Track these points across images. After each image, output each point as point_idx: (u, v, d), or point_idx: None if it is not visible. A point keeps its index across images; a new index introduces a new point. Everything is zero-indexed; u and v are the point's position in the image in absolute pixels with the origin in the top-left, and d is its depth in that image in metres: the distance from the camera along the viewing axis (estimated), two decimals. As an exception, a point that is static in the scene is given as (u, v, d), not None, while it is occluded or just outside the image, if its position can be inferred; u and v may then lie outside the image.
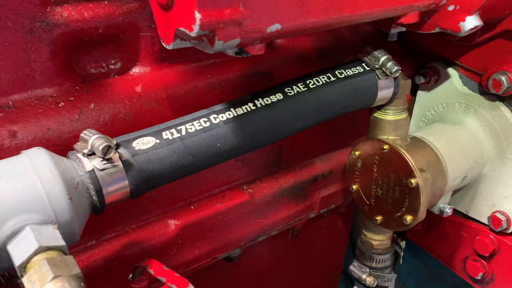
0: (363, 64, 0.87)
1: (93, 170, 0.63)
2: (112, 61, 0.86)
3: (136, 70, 0.88)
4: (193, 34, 0.50)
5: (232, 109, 0.75)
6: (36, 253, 0.53)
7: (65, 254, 0.55)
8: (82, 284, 0.52)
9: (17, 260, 0.53)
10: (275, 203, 1.09)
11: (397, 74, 0.86)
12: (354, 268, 1.13)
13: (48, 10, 0.74)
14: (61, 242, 0.55)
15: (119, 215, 0.89)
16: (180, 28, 0.52)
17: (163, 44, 0.58)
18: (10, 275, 0.78)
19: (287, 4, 0.55)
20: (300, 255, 1.36)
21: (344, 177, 1.17)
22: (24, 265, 0.53)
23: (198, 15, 0.48)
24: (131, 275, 0.80)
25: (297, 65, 1.04)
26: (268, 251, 1.24)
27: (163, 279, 0.68)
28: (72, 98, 0.80)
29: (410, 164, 0.90)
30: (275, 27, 0.55)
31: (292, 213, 1.13)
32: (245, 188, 1.05)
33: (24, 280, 0.52)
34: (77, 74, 0.83)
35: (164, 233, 0.92)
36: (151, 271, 0.71)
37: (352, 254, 1.43)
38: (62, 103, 0.79)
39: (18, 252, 0.54)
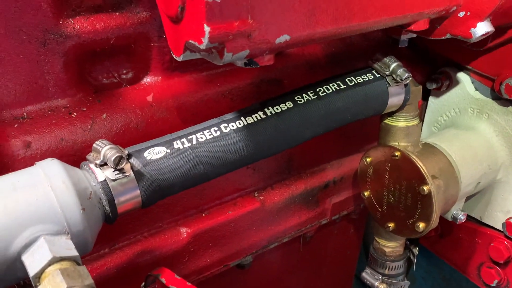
0: (373, 71, 0.86)
1: (105, 180, 0.64)
2: (124, 71, 0.87)
3: (147, 79, 0.89)
4: (202, 46, 0.51)
5: (242, 118, 0.75)
6: (50, 263, 0.54)
7: (78, 264, 0.56)
8: (95, 294, 0.53)
9: (32, 271, 0.54)
10: (286, 210, 1.09)
11: (408, 81, 0.86)
12: (367, 275, 1.12)
13: (61, 22, 0.75)
14: (74, 252, 0.56)
15: (131, 223, 0.90)
16: (190, 41, 0.53)
17: (173, 56, 0.59)
18: (25, 284, 0.79)
19: (295, 15, 0.55)
20: (312, 262, 1.36)
21: (356, 184, 1.17)
22: (39, 276, 0.54)
23: (207, 28, 0.49)
24: (143, 284, 0.81)
25: (306, 72, 1.04)
26: (280, 258, 1.24)
27: (175, 288, 0.69)
28: (84, 109, 0.81)
29: (422, 171, 0.90)
30: (284, 38, 0.56)
31: (304, 220, 1.13)
32: (256, 195, 1.05)
33: (39, 290, 0.52)
34: (90, 84, 0.84)
35: (176, 241, 0.93)
36: (163, 280, 0.71)
37: (365, 259, 1.42)
38: (75, 114, 0.80)
39: (32, 263, 0.54)
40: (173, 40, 0.57)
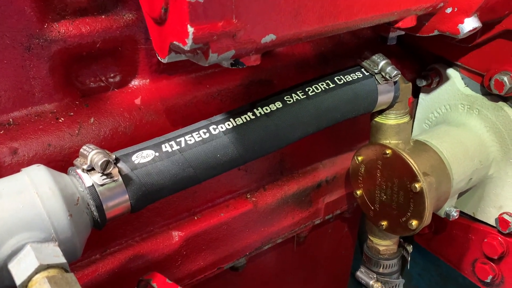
0: (362, 70, 0.86)
1: (92, 185, 0.63)
2: (111, 75, 0.86)
3: (135, 82, 0.88)
4: (186, 47, 0.50)
5: (231, 119, 0.74)
6: (37, 271, 0.53)
7: (66, 271, 0.55)
8: (83, 301, 0.52)
9: (18, 279, 0.53)
10: (279, 211, 1.08)
11: (397, 78, 0.85)
12: (362, 274, 1.12)
13: (45, 26, 0.75)
14: (62, 259, 0.55)
15: (122, 228, 0.89)
16: (174, 42, 0.52)
17: (159, 58, 0.58)
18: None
19: (280, 14, 0.55)
20: (307, 262, 1.35)
21: (348, 182, 1.16)
22: (25, 284, 0.53)
23: (190, 29, 0.48)
24: (135, 289, 0.80)
25: (296, 72, 1.04)
26: (274, 259, 1.23)
27: (166, 293, 0.68)
28: (72, 113, 0.80)
29: (414, 168, 0.90)
30: (270, 37, 0.55)
31: (297, 220, 1.12)
32: (248, 196, 1.04)
33: (25, 299, 0.51)
34: (77, 88, 0.83)
35: (168, 245, 0.92)
36: (155, 285, 0.71)
37: (361, 258, 1.42)
38: (62, 119, 0.79)
39: (19, 271, 0.54)
40: (158, 42, 0.57)
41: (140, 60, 0.86)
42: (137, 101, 0.86)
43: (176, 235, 0.93)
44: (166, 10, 0.51)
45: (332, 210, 1.20)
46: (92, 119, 0.81)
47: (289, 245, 1.24)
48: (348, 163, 1.14)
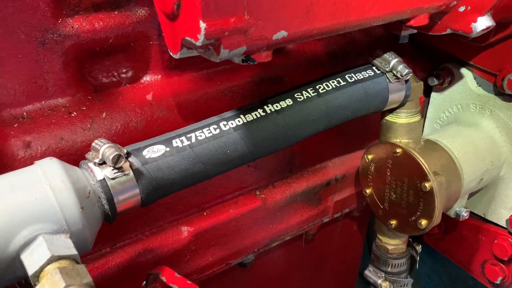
0: (373, 68, 0.86)
1: (104, 179, 0.64)
2: (123, 70, 0.87)
3: (147, 78, 0.88)
4: (198, 43, 0.50)
5: (241, 116, 0.75)
6: (49, 262, 0.54)
7: (77, 263, 0.56)
8: (93, 292, 0.53)
9: (31, 270, 0.54)
10: (288, 208, 1.08)
11: (408, 77, 0.85)
12: (370, 273, 1.12)
13: (59, 21, 0.75)
14: (73, 251, 0.56)
15: (132, 222, 0.90)
16: (186, 38, 0.53)
17: (171, 54, 0.59)
18: (26, 283, 0.80)
19: (292, 10, 0.55)
20: (315, 260, 1.35)
21: (358, 181, 1.16)
22: (37, 274, 0.54)
23: (203, 25, 0.49)
24: (144, 282, 0.81)
25: (307, 70, 1.04)
26: (282, 256, 1.23)
27: (175, 287, 0.69)
28: (84, 108, 0.81)
29: (424, 168, 0.89)
30: (281, 34, 0.55)
31: (306, 217, 1.13)
32: (257, 193, 1.05)
33: (38, 288, 0.52)
34: (89, 83, 0.84)
35: (177, 239, 0.93)
36: (164, 279, 0.71)
37: (370, 257, 1.42)
38: (75, 113, 0.80)
39: (31, 262, 0.54)
40: (170, 38, 0.57)
41: (152, 56, 0.87)
42: (149, 96, 0.87)
43: (186, 230, 0.94)
44: (179, 6, 0.51)
45: (341, 209, 1.19)
46: (104, 114, 0.81)
47: (297, 243, 1.24)
48: (357, 162, 1.14)
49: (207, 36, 0.49)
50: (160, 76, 0.89)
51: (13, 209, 0.56)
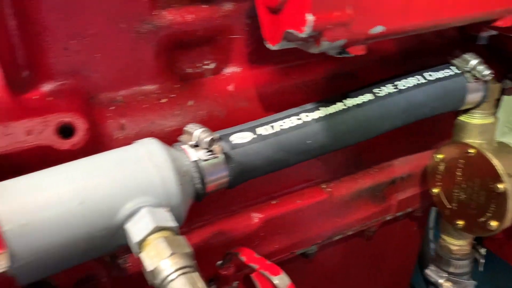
0: (453, 67, 0.87)
1: (197, 160, 0.69)
2: (206, 62, 0.92)
3: (228, 70, 0.93)
4: (303, 35, 0.54)
5: (322, 108, 0.78)
6: (152, 232, 0.59)
7: (176, 234, 0.61)
8: (194, 261, 0.57)
9: (135, 238, 0.59)
10: (352, 204, 1.10)
11: (489, 78, 0.85)
12: (431, 272, 1.12)
13: (155, 13, 0.81)
14: (173, 223, 0.61)
15: (207, 205, 0.94)
16: (290, 30, 0.56)
17: (267, 46, 0.63)
18: (112, 256, 0.86)
19: (391, 6, 0.57)
20: (372, 258, 1.36)
21: (423, 181, 1.17)
22: (141, 243, 0.59)
23: (310, 17, 0.52)
24: (220, 262, 0.85)
25: (380, 67, 1.05)
26: (343, 251, 1.25)
27: (255, 266, 0.72)
28: (173, 95, 0.86)
29: (498, 169, 0.89)
30: (379, 28, 0.58)
31: (369, 214, 1.14)
32: (324, 187, 1.07)
33: (143, 255, 0.57)
34: (175, 73, 0.89)
35: (248, 225, 0.97)
36: (243, 258, 0.75)
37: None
38: (164, 100, 0.85)
39: (136, 230, 0.60)
40: (270, 30, 0.61)
41: (234, 49, 0.91)
42: (230, 87, 0.91)
43: (256, 217, 0.98)
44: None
45: (404, 207, 1.20)
46: (190, 102, 0.86)
47: (357, 239, 1.25)
48: (423, 161, 1.15)
49: (313, 28, 0.53)
50: (240, 68, 0.93)
51: (121, 181, 0.61)
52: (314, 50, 0.58)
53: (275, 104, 0.94)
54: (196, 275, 0.55)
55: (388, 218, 1.20)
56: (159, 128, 0.82)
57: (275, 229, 1.01)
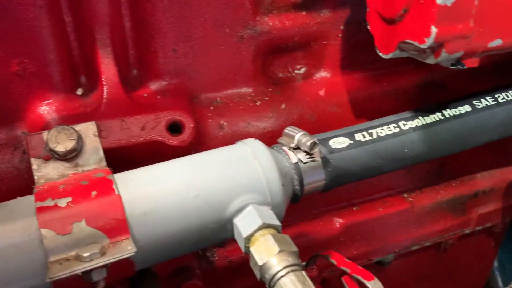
0: (555, 81, 0.84)
1: (297, 162, 0.71)
2: (298, 67, 0.94)
3: (319, 75, 0.95)
4: (423, 46, 0.55)
5: (420, 117, 0.78)
6: (260, 228, 0.62)
7: (279, 232, 0.63)
8: (300, 261, 0.59)
9: (244, 233, 0.62)
10: (433, 214, 1.09)
11: None
12: (512, 292, 1.09)
13: (257, 19, 0.84)
14: (277, 222, 0.63)
15: (291, 207, 0.96)
16: (407, 40, 0.57)
17: (380, 54, 0.64)
18: (203, 249, 0.90)
19: (511, 21, 0.57)
20: (446, 271, 1.34)
21: (507, 196, 1.13)
22: (249, 238, 0.62)
23: (434, 29, 0.53)
24: (305, 263, 0.87)
25: (470, 78, 1.04)
26: (418, 261, 1.24)
27: (347, 270, 0.74)
28: (266, 98, 0.89)
29: None
30: (497, 42, 0.58)
31: (448, 226, 1.12)
32: (405, 196, 1.07)
33: (253, 249, 0.60)
34: (269, 77, 0.92)
35: (329, 229, 0.99)
36: (334, 261, 0.76)
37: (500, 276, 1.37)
38: (259, 102, 0.88)
39: (244, 226, 0.63)
40: (383, 39, 0.62)
41: (327, 55, 0.93)
42: (321, 92, 0.93)
43: (337, 222, 0.99)
44: (406, 11, 0.56)
45: (483, 222, 1.17)
46: (283, 105, 0.89)
47: (433, 250, 1.24)
48: (507, 175, 1.12)
49: (436, 40, 0.54)
50: (331, 74, 0.95)
51: (232, 178, 0.64)
52: (431, 60, 0.58)
53: (365, 110, 0.95)
54: (304, 274, 0.57)
55: (467, 231, 1.17)
56: (254, 129, 0.86)
57: (355, 235, 1.02)
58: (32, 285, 0.54)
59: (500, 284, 1.52)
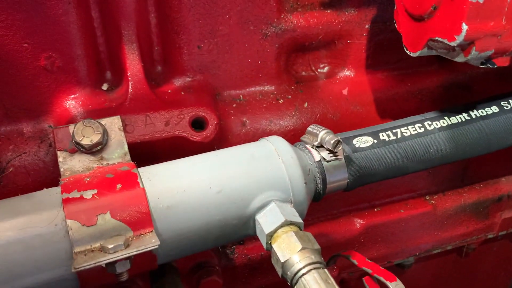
0: None
1: (320, 160, 0.70)
2: (321, 65, 0.94)
3: (342, 74, 0.94)
4: (453, 43, 0.54)
5: (446, 118, 0.77)
6: (282, 225, 0.61)
7: (301, 230, 0.63)
8: (322, 259, 0.59)
9: (266, 229, 0.62)
10: (455, 218, 1.07)
11: None
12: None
13: (282, 16, 0.84)
14: (300, 219, 0.63)
15: (312, 206, 0.96)
16: (436, 38, 0.56)
17: (407, 52, 0.63)
18: (222, 246, 0.90)
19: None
20: (466, 276, 1.31)
21: (532, 201, 1.11)
22: (272, 234, 0.61)
23: (465, 27, 0.52)
24: (325, 262, 0.86)
25: (496, 80, 1.02)
26: (438, 265, 1.22)
27: (369, 270, 0.73)
28: (289, 96, 0.89)
29: None
30: (529, 40, 0.57)
31: (471, 230, 1.10)
32: (427, 198, 1.05)
33: (275, 246, 0.60)
34: (291, 75, 0.92)
35: (349, 229, 0.98)
36: (355, 261, 0.76)
37: None
38: (282, 100, 0.88)
39: (266, 222, 0.62)
40: (411, 37, 0.61)
41: (351, 54, 0.93)
42: (345, 91, 0.92)
43: (358, 223, 0.98)
44: (436, 8, 0.55)
45: (507, 227, 1.15)
46: (306, 104, 0.89)
47: (455, 254, 1.22)
48: (534, 181, 1.09)
49: (466, 37, 0.53)
50: (354, 73, 0.94)
51: (255, 175, 0.64)
52: (460, 59, 0.57)
53: (388, 110, 0.94)
54: (326, 272, 0.57)
55: (490, 236, 1.15)
56: (276, 127, 0.85)
57: (375, 237, 1.01)
58: (57, 275, 0.54)
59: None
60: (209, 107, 0.78)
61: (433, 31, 0.57)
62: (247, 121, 0.84)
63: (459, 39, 0.53)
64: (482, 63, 0.60)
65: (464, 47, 0.56)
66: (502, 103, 0.79)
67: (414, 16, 0.59)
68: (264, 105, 0.87)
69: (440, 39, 0.56)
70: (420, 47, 0.60)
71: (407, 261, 1.09)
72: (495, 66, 0.60)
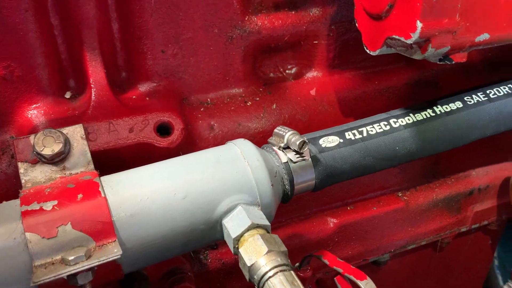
0: (547, 77, 0.84)
1: (287, 162, 0.70)
2: (289, 66, 0.94)
3: (310, 75, 0.94)
4: (409, 41, 0.54)
5: (411, 114, 0.77)
6: (249, 229, 0.61)
7: (268, 233, 0.63)
8: (289, 261, 0.59)
9: (233, 233, 0.61)
10: (428, 213, 1.08)
11: None
12: (510, 289, 1.08)
13: (246, 19, 0.84)
14: (267, 222, 0.63)
15: (283, 207, 0.96)
16: (394, 36, 0.57)
17: (367, 51, 0.63)
18: (195, 251, 0.89)
19: (497, 15, 0.57)
20: (442, 270, 1.33)
21: (502, 193, 1.13)
22: (238, 238, 0.61)
23: (419, 24, 0.52)
24: (298, 264, 0.86)
25: (462, 76, 1.03)
26: (414, 261, 1.23)
27: (340, 269, 0.73)
28: (257, 98, 0.89)
29: None
30: (484, 36, 0.58)
31: (444, 225, 1.12)
32: (400, 195, 1.06)
33: (241, 250, 0.60)
34: (259, 77, 0.91)
35: (323, 229, 0.98)
36: (326, 261, 0.76)
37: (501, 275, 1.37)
38: (250, 102, 0.88)
39: (233, 226, 0.62)
40: (370, 36, 0.62)
41: (317, 54, 0.93)
42: (312, 92, 0.93)
43: (331, 222, 0.98)
44: (392, 6, 0.56)
45: (480, 220, 1.17)
46: (274, 105, 0.89)
47: (429, 249, 1.23)
48: (503, 173, 1.11)
49: (421, 35, 0.53)
50: (322, 73, 0.94)
51: (220, 179, 0.64)
52: (418, 56, 0.58)
53: (356, 109, 0.94)
54: (293, 274, 0.57)
55: (463, 230, 1.17)
56: (245, 130, 0.85)
57: (349, 235, 1.01)
58: (17, 290, 0.53)
59: (501, 283, 1.52)
60: (175, 112, 0.77)
61: (390, 30, 0.57)
62: (215, 124, 0.84)
63: (415, 36, 0.53)
64: (440, 60, 0.61)
65: (421, 44, 0.56)
66: (465, 98, 0.80)
67: (372, 14, 0.60)
68: (232, 108, 0.86)
69: (397, 37, 0.56)
70: (379, 46, 0.60)
71: (382, 258, 1.10)
72: (453, 62, 0.61)
